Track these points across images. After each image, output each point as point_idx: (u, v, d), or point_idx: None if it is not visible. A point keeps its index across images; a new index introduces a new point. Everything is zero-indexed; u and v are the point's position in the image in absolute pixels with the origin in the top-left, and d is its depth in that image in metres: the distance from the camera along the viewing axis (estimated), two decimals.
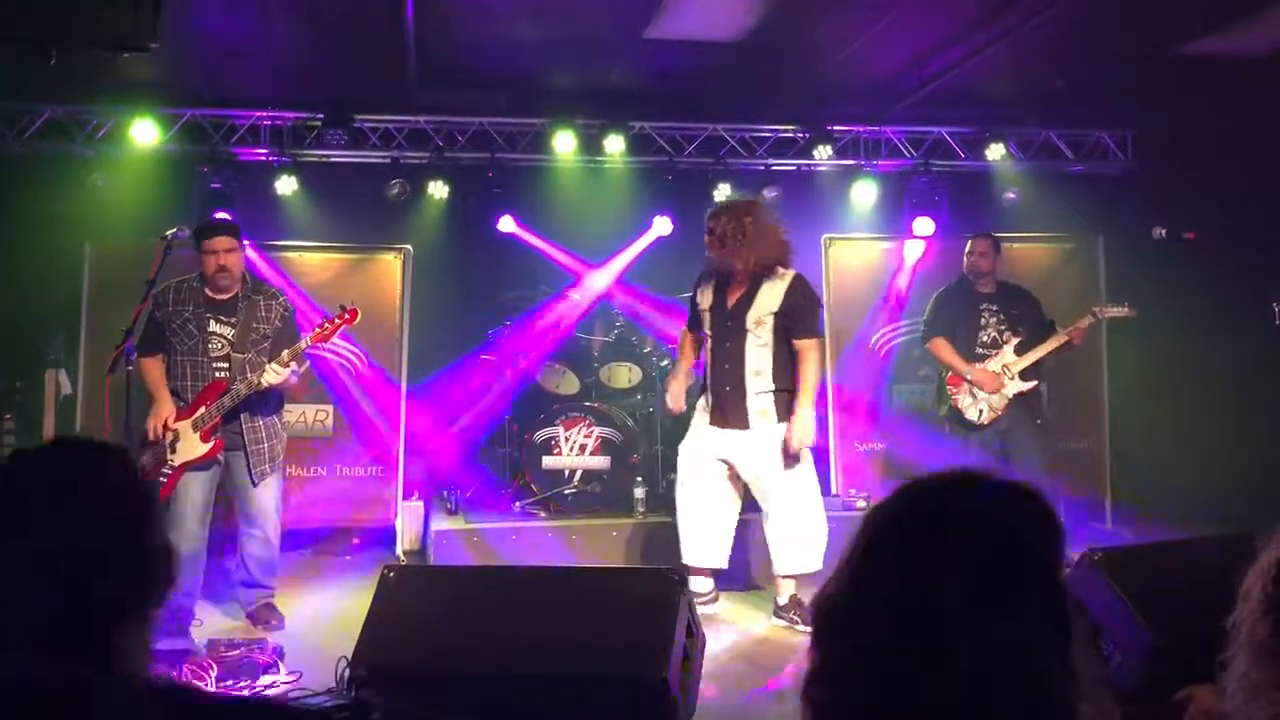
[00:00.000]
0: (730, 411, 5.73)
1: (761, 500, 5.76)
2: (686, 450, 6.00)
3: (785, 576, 5.70)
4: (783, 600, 5.71)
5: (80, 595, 1.42)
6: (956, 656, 1.22)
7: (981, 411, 6.66)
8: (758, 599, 6.21)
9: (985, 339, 6.80)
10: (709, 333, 5.86)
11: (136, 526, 1.51)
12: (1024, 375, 6.67)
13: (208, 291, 5.46)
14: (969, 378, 6.70)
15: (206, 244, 5.36)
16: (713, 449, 5.83)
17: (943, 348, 6.86)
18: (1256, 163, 7.66)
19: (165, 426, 5.29)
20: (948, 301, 6.97)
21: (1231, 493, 7.25)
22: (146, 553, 1.52)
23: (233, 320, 5.44)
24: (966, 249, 6.97)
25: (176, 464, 5.29)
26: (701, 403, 5.92)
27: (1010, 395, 6.64)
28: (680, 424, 7.59)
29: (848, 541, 1.37)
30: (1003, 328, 6.79)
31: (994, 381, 6.65)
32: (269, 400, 5.52)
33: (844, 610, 1.32)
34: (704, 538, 5.88)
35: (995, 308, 6.84)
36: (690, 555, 5.87)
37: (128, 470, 1.58)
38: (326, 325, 5.33)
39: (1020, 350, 6.69)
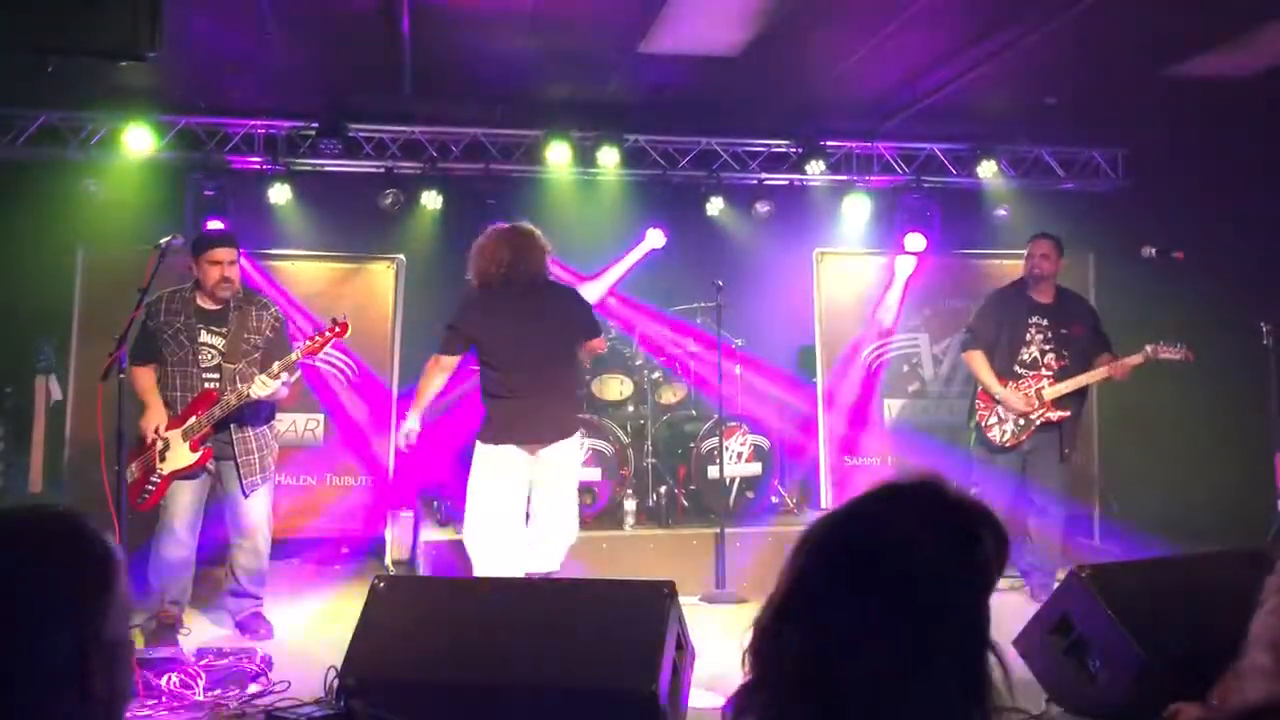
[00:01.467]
0: None
1: None
2: None
3: None
4: None
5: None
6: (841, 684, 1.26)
7: (1006, 433, 6.33)
8: (747, 613, 6.21)
9: (1026, 357, 6.40)
10: None
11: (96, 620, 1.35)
12: (1058, 403, 6.29)
13: (199, 302, 5.46)
14: (998, 397, 6.36)
15: (210, 255, 5.35)
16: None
17: (978, 362, 6.49)
18: (1245, 182, 7.72)
19: (156, 434, 5.28)
20: (998, 306, 6.58)
21: (1219, 509, 7.28)
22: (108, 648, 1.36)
23: (223, 331, 5.43)
24: (1027, 251, 6.52)
25: (165, 472, 5.28)
26: None
27: (1038, 422, 6.31)
28: (680, 434, 7.63)
29: (785, 565, 1.39)
30: (1047, 348, 6.37)
31: (1022, 406, 6.30)
32: (260, 411, 5.51)
33: (770, 641, 1.35)
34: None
35: (1045, 323, 6.40)
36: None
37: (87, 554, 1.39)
38: (318, 338, 5.32)
39: (1059, 377, 6.31)
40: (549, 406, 5.46)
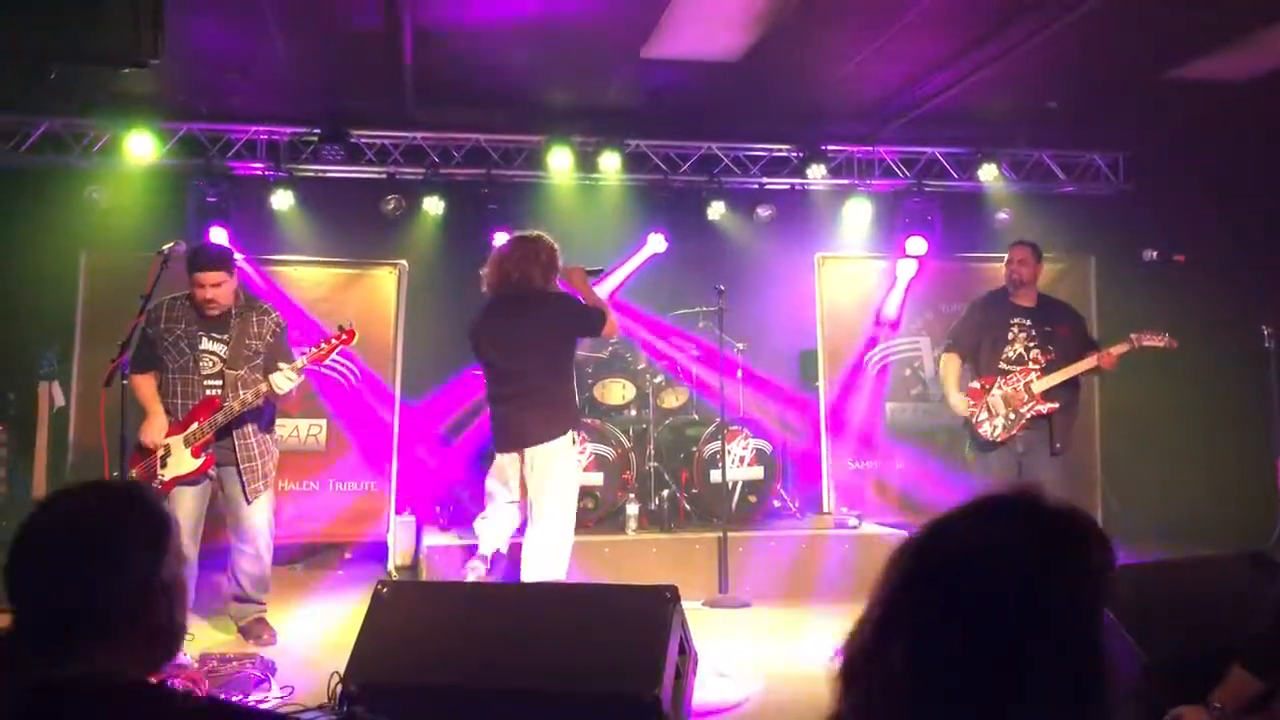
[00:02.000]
0: None
1: None
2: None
3: None
4: None
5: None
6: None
7: (996, 428, 6.38)
8: (750, 617, 6.22)
9: (1011, 354, 6.47)
10: None
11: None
12: (1047, 396, 6.33)
13: (198, 310, 5.46)
14: (949, 401, 6.56)
15: (197, 276, 5.32)
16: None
17: (946, 366, 6.67)
18: (1246, 185, 7.74)
19: (158, 440, 5.29)
20: (978, 313, 6.70)
21: (1220, 511, 7.29)
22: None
23: (225, 337, 5.43)
24: (1006, 258, 6.66)
25: (167, 478, 5.29)
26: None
27: (1027, 415, 6.34)
28: (682, 438, 7.64)
29: (876, 584, 1.32)
30: (1031, 344, 6.46)
31: (964, 410, 6.45)
32: (261, 417, 5.51)
33: (863, 665, 1.28)
34: None
35: (1028, 323, 6.49)
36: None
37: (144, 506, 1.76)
38: (323, 345, 5.32)
39: (1047, 370, 6.37)
40: (531, 412, 5.52)
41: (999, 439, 6.38)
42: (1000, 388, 6.38)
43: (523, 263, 5.61)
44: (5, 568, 1.66)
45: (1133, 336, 6.38)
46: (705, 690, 4.48)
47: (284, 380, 5.23)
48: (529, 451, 5.50)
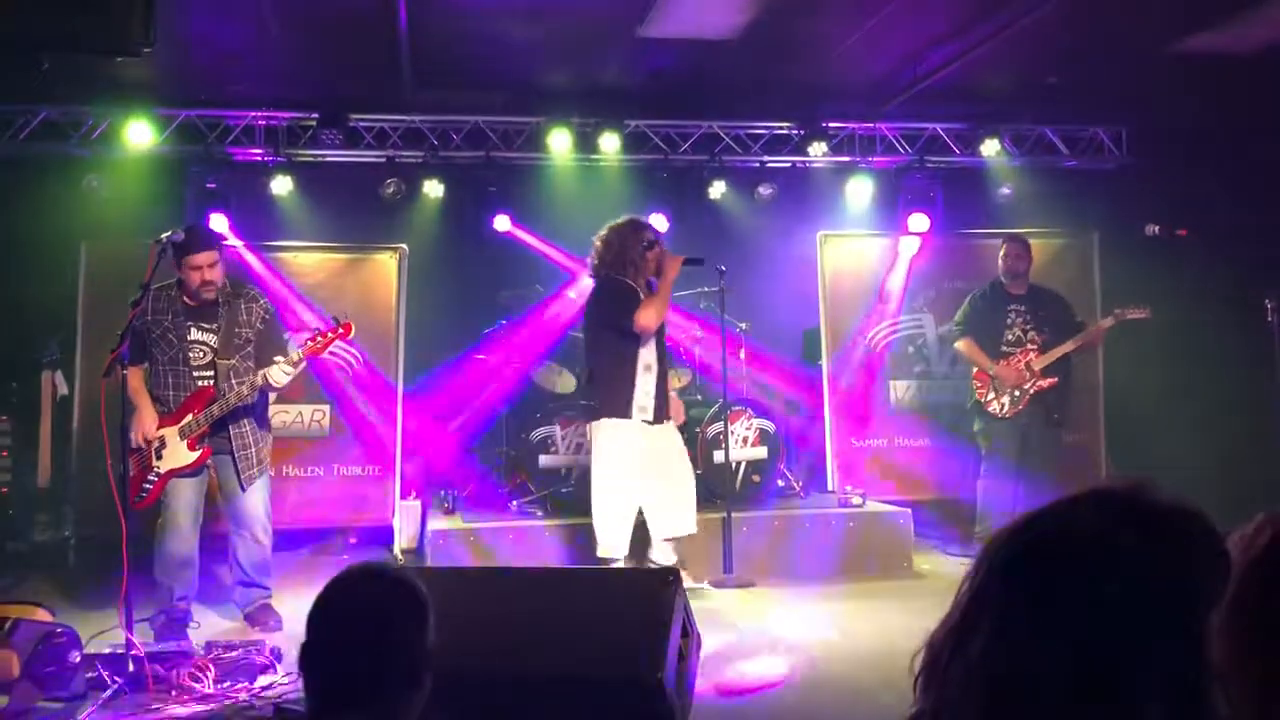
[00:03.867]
0: (667, 406, 6.28)
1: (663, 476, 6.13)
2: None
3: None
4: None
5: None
6: None
7: (1004, 405, 7.08)
8: (750, 596, 6.24)
9: (1010, 338, 7.16)
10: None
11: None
12: (1046, 372, 7.05)
13: (186, 299, 5.42)
14: (991, 373, 7.11)
15: (190, 260, 5.29)
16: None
17: (970, 346, 7.24)
18: (1249, 159, 7.68)
19: (149, 434, 5.27)
20: (980, 302, 7.32)
21: (1227, 486, 7.26)
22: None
23: (214, 326, 5.40)
24: (1000, 252, 7.32)
25: (163, 471, 5.28)
26: (640, 403, 6.09)
27: (1031, 391, 7.04)
28: (685, 419, 7.63)
29: (963, 579, 1.24)
30: (1028, 327, 7.16)
31: (1015, 376, 7.05)
32: (255, 406, 5.50)
33: (946, 661, 1.20)
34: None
35: (1023, 309, 7.19)
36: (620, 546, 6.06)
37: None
38: (319, 338, 5.26)
39: (1044, 349, 7.07)
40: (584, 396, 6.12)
41: (1007, 415, 7.08)
42: (1005, 369, 7.07)
43: (595, 248, 6.29)
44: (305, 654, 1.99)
45: (1116, 311, 7.11)
46: (751, 665, 4.54)
47: (280, 374, 5.21)
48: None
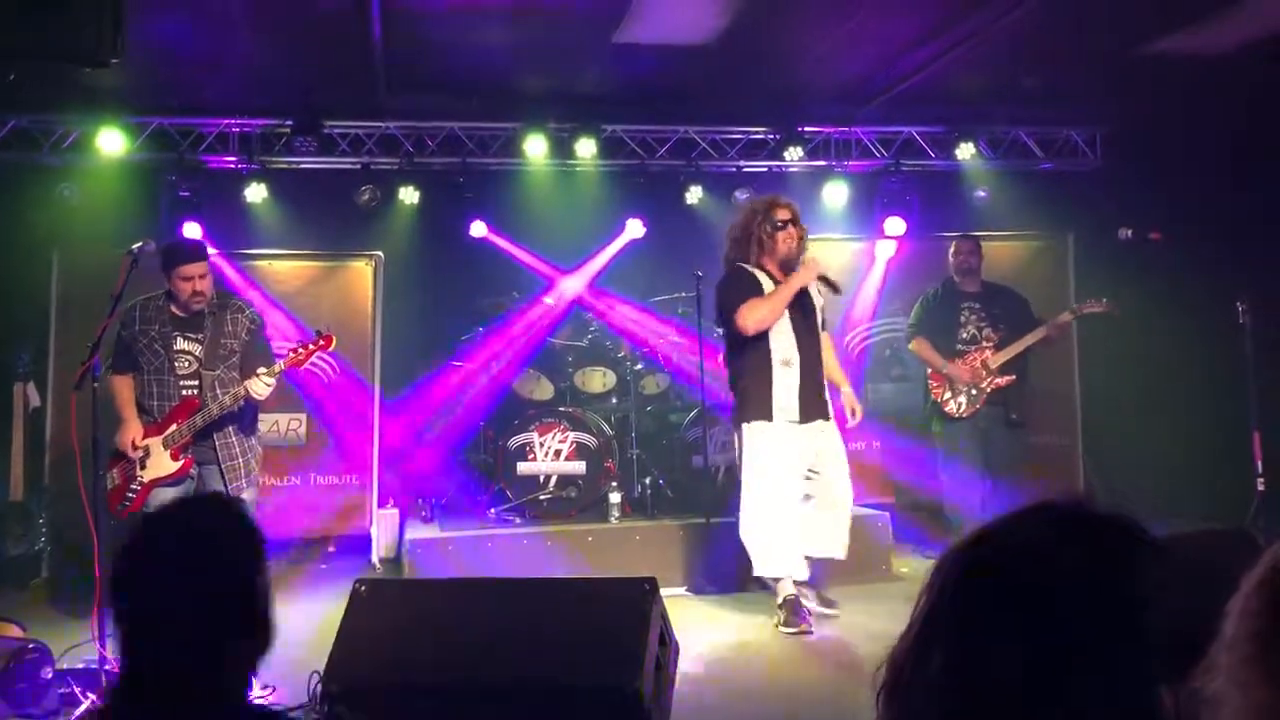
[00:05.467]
0: (819, 404, 5.79)
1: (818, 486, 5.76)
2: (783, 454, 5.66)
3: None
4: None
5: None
6: None
7: (961, 404, 6.97)
8: (734, 603, 6.23)
9: (965, 335, 7.07)
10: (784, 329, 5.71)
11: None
12: (1003, 370, 6.93)
13: (173, 309, 5.39)
14: (944, 372, 7.01)
15: (181, 271, 5.25)
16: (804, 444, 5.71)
17: (923, 346, 7.16)
18: (1223, 161, 7.73)
19: (135, 444, 5.23)
20: (932, 302, 7.24)
21: (1199, 488, 7.32)
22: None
23: (199, 336, 5.37)
24: (951, 250, 7.25)
25: (146, 480, 5.23)
26: (780, 402, 5.63)
27: (988, 389, 6.93)
28: (663, 425, 7.61)
29: (919, 593, 1.27)
30: (982, 325, 7.06)
31: (970, 374, 6.95)
32: (243, 415, 5.46)
33: (909, 677, 1.22)
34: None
35: (977, 306, 7.11)
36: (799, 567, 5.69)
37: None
38: (300, 350, 5.23)
39: (1000, 346, 6.97)
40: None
41: (964, 415, 6.96)
42: (959, 367, 6.96)
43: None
44: (115, 578, 1.79)
45: (1074, 306, 7.07)
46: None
47: (261, 385, 5.18)
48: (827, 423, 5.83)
